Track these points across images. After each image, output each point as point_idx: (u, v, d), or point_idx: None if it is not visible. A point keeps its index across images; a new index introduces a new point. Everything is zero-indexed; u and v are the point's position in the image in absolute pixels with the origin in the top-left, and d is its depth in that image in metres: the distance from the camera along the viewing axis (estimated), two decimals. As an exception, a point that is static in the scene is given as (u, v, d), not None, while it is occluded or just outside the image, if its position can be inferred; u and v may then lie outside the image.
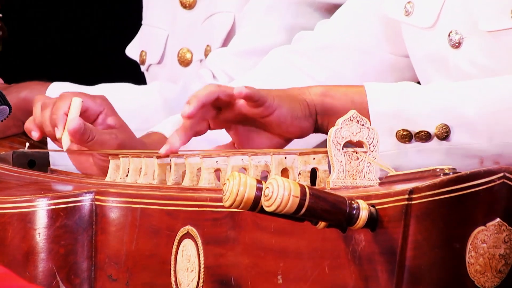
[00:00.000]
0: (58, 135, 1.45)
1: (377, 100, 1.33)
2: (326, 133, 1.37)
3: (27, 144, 1.68)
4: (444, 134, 1.29)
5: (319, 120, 1.36)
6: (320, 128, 1.38)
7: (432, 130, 1.29)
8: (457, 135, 1.29)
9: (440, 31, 1.46)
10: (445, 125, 1.29)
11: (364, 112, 1.30)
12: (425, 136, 1.29)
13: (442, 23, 1.46)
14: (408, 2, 1.50)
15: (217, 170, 1.18)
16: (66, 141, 1.42)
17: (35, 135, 1.51)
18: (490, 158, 1.29)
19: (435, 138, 1.30)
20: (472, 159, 1.30)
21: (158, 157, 1.26)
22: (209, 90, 1.30)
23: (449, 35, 1.44)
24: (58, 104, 1.47)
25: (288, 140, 1.39)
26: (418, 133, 1.30)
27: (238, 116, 1.33)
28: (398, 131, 1.30)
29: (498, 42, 1.39)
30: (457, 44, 1.43)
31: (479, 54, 1.42)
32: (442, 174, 0.83)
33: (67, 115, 1.44)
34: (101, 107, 1.54)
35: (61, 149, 1.52)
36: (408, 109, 1.32)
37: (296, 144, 1.58)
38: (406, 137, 1.30)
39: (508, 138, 1.29)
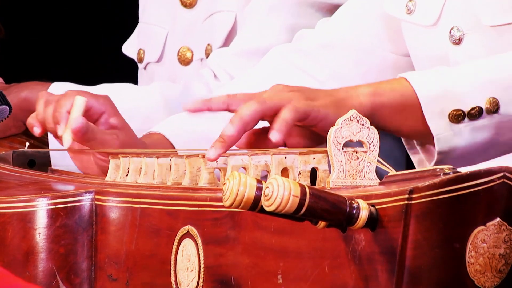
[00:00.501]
0: (60, 133, 1.45)
1: (423, 86, 1.31)
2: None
3: (27, 144, 1.69)
4: (495, 108, 1.28)
5: (369, 120, 1.35)
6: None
7: (483, 105, 1.28)
8: (506, 107, 1.28)
9: (442, 28, 1.46)
10: (494, 98, 1.28)
11: (414, 102, 1.30)
12: (477, 113, 1.29)
13: (444, 20, 1.46)
14: (410, 1, 1.50)
15: (217, 170, 1.18)
16: (67, 139, 1.42)
17: (36, 131, 1.51)
18: None
19: (485, 113, 1.29)
20: None
21: (158, 156, 1.27)
22: (253, 109, 1.25)
23: (450, 32, 1.44)
24: (62, 101, 1.47)
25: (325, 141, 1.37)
26: (470, 110, 1.29)
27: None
28: (450, 112, 1.29)
29: (500, 38, 1.39)
30: (458, 41, 1.43)
31: (479, 50, 1.42)
32: (442, 174, 0.83)
33: (69, 113, 1.44)
34: (104, 107, 1.54)
35: (61, 148, 1.52)
36: (456, 87, 1.31)
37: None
38: (459, 117, 1.29)
39: None
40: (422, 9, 1.49)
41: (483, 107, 1.29)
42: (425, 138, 1.34)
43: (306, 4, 2.20)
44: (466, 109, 1.29)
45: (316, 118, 1.29)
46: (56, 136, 1.50)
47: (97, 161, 1.51)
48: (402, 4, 1.52)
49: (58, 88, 2.11)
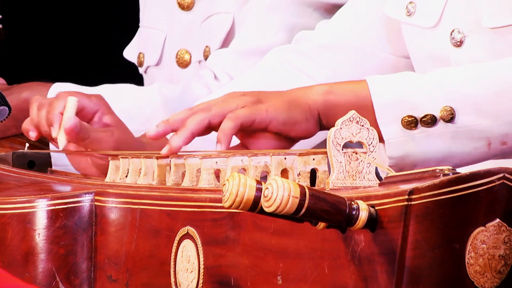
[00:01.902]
0: (54, 134, 1.45)
1: (380, 91, 1.32)
2: None
3: (27, 144, 1.68)
4: (450, 117, 1.28)
5: (323, 119, 1.36)
6: (326, 126, 1.37)
7: (437, 113, 1.29)
8: (462, 117, 1.29)
9: (443, 30, 1.46)
10: (450, 107, 1.29)
11: (369, 104, 1.32)
12: (430, 120, 1.29)
13: (444, 22, 1.46)
14: (410, 2, 1.50)
15: (217, 171, 1.17)
16: (62, 140, 1.42)
17: (32, 135, 1.51)
18: (497, 139, 1.29)
19: (441, 121, 1.29)
20: (479, 141, 1.30)
21: (158, 157, 1.26)
22: (198, 120, 1.30)
23: (451, 34, 1.44)
24: (54, 103, 1.47)
25: (295, 140, 1.39)
26: (423, 117, 1.29)
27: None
28: (403, 117, 1.29)
29: (501, 39, 1.39)
30: (458, 43, 1.43)
31: (480, 52, 1.42)
32: (441, 175, 0.82)
33: (62, 114, 1.44)
34: (97, 106, 1.54)
35: (60, 150, 1.52)
36: (411, 95, 1.32)
37: (297, 143, 1.58)
38: (411, 123, 1.29)
39: None
40: (422, 11, 1.49)
41: (437, 115, 1.29)
42: (381, 140, 1.34)
43: (305, 3, 2.19)
44: (419, 116, 1.29)
45: (264, 121, 1.31)
46: (51, 139, 1.50)
47: (94, 161, 1.50)
48: (402, 6, 1.52)
49: (59, 88, 2.11)
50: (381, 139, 1.31)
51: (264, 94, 1.37)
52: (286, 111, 1.32)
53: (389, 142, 1.30)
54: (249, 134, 1.36)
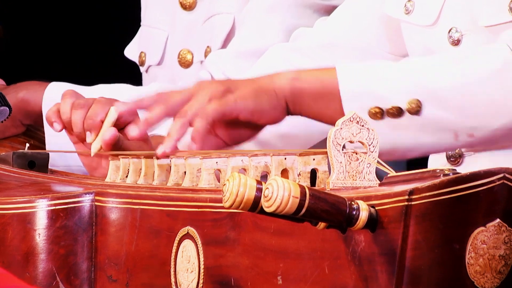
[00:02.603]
0: (89, 140, 1.46)
1: (348, 80, 1.34)
2: (301, 115, 1.39)
3: (27, 144, 1.68)
4: (416, 109, 1.29)
5: (290, 105, 1.37)
6: (293, 112, 1.39)
7: (404, 106, 1.30)
8: (429, 110, 1.30)
9: (441, 28, 1.47)
10: (417, 99, 1.29)
11: (336, 93, 1.33)
12: (397, 112, 1.29)
13: (443, 20, 1.46)
14: (409, 1, 1.51)
15: (217, 171, 1.18)
16: (96, 147, 1.44)
17: (57, 127, 1.52)
18: (463, 131, 1.30)
19: (407, 113, 1.30)
20: (446, 133, 1.31)
21: (158, 157, 1.26)
22: (157, 113, 1.36)
23: (449, 32, 1.44)
24: (96, 109, 1.48)
25: (263, 127, 1.40)
26: (389, 109, 1.30)
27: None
28: (370, 108, 1.30)
29: (496, 38, 1.40)
30: (456, 42, 1.43)
31: None
32: (442, 175, 0.82)
33: (102, 122, 1.46)
34: (132, 117, 1.55)
35: (60, 150, 1.52)
36: (379, 86, 1.33)
37: (296, 143, 1.59)
38: (378, 114, 1.30)
39: (479, 109, 1.30)
40: (421, 10, 1.49)
41: (404, 107, 1.30)
42: None
43: (304, 5, 2.19)
44: (386, 107, 1.30)
45: (233, 111, 1.33)
46: (81, 140, 1.52)
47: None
48: (401, 4, 1.52)
49: (56, 88, 2.11)
50: None
51: (232, 83, 1.40)
52: (254, 100, 1.33)
53: None
54: (220, 124, 1.37)
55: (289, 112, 1.38)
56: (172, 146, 1.28)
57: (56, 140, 1.81)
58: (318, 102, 1.36)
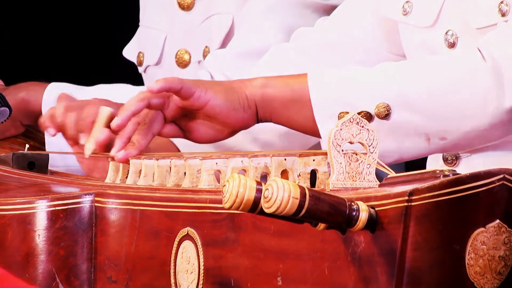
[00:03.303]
0: (82, 142, 1.46)
1: (318, 88, 1.34)
2: (272, 122, 1.39)
3: (27, 145, 1.68)
4: (385, 113, 1.30)
5: (260, 111, 1.37)
6: (263, 119, 1.39)
7: (372, 110, 1.30)
8: (397, 114, 1.30)
9: (438, 30, 1.47)
10: (385, 104, 1.30)
11: (306, 100, 1.34)
12: (365, 117, 1.29)
13: (440, 22, 1.47)
14: (407, 2, 1.51)
15: (217, 172, 1.18)
16: (89, 148, 1.43)
17: (51, 132, 1.52)
18: (435, 134, 1.30)
19: (376, 117, 1.30)
20: (417, 136, 1.31)
21: (158, 158, 1.26)
22: (138, 98, 1.34)
23: (446, 34, 1.45)
24: (87, 111, 1.48)
25: (233, 132, 1.40)
26: (358, 114, 1.31)
27: (178, 111, 1.36)
28: (339, 114, 1.30)
29: None
30: (452, 44, 1.44)
31: None
32: (442, 176, 0.82)
33: (94, 123, 1.45)
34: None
35: (60, 151, 1.52)
36: (348, 92, 1.33)
37: (296, 143, 1.58)
38: None
39: (450, 112, 1.30)
40: (419, 11, 1.49)
41: (372, 112, 1.30)
42: (318, 136, 1.36)
43: (303, 5, 2.19)
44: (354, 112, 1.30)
45: (201, 97, 1.32)
46: (74, 143, 1.51)
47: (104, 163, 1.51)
48: (399, 6, 1.52)
49: (56, 88, 2.11)
50: (318, 135, 1.34)
51: (203, 81, 1.41)
52: (224, 95, 1.33)
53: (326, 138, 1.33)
54: (190, 125, 1.37)
55: (259, 119, 1.39)
56: (124, 117, 1.31)
57: (56, 141, 1.81)
58: (288, 109, 1.37)
